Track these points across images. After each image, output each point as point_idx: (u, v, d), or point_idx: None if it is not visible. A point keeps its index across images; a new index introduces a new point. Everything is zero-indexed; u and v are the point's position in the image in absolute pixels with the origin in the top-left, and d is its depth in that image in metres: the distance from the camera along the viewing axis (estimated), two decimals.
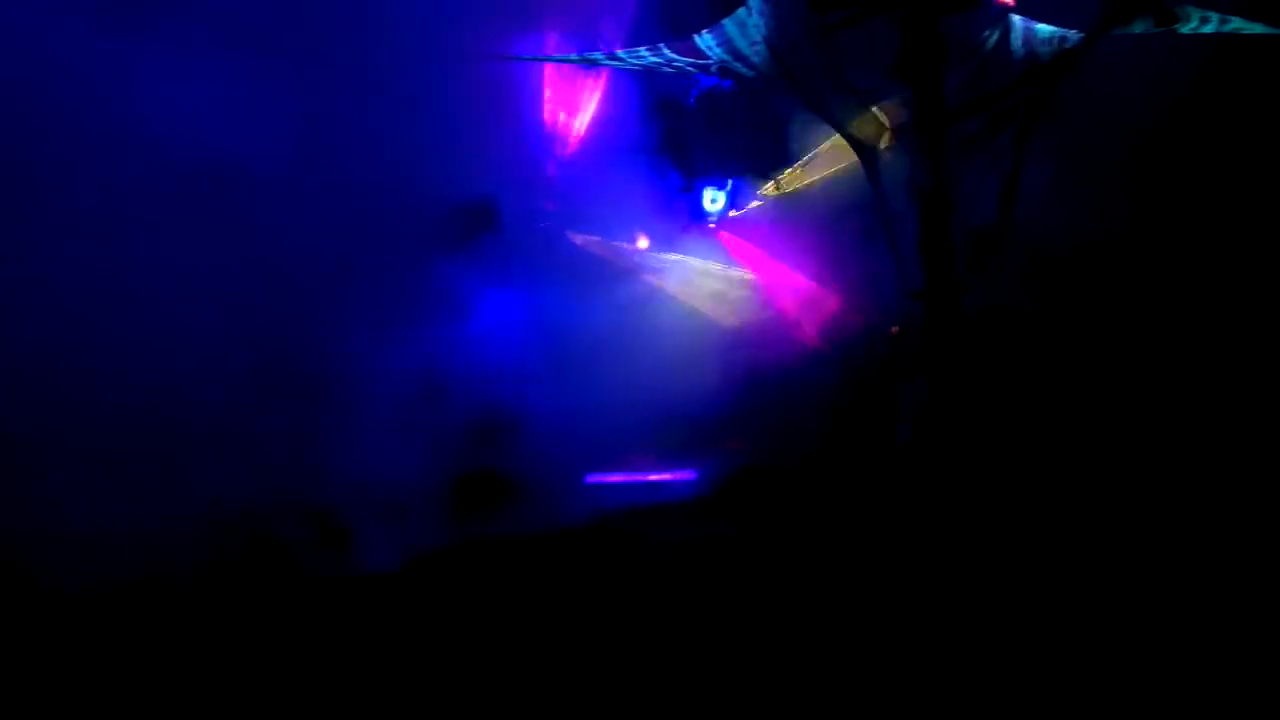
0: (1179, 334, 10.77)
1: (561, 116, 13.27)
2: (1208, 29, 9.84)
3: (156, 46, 9.08)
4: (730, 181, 14.19)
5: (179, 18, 9.28)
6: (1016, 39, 10.54)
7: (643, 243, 13.93)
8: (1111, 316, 11.12)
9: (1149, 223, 10.84)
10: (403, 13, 10.39)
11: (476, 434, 11.64)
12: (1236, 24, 9.85)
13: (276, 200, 9.69)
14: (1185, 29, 9.74)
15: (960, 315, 9.91)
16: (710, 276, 14.04)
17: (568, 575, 9.30)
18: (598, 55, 11.46)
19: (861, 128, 10.51)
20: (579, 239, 13.53)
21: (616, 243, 13.82)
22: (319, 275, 10.05)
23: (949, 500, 9.28)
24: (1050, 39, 10.49)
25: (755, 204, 14.15)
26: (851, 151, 10.89)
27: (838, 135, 11.02)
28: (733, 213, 14.24)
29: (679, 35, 10.54)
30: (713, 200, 14.22)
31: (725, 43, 10.31)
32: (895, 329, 11.55)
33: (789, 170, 13.75)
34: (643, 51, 10.53)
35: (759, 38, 10.16)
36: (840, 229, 12.72)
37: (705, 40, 10.38)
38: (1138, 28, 9.63)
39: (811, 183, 13.52)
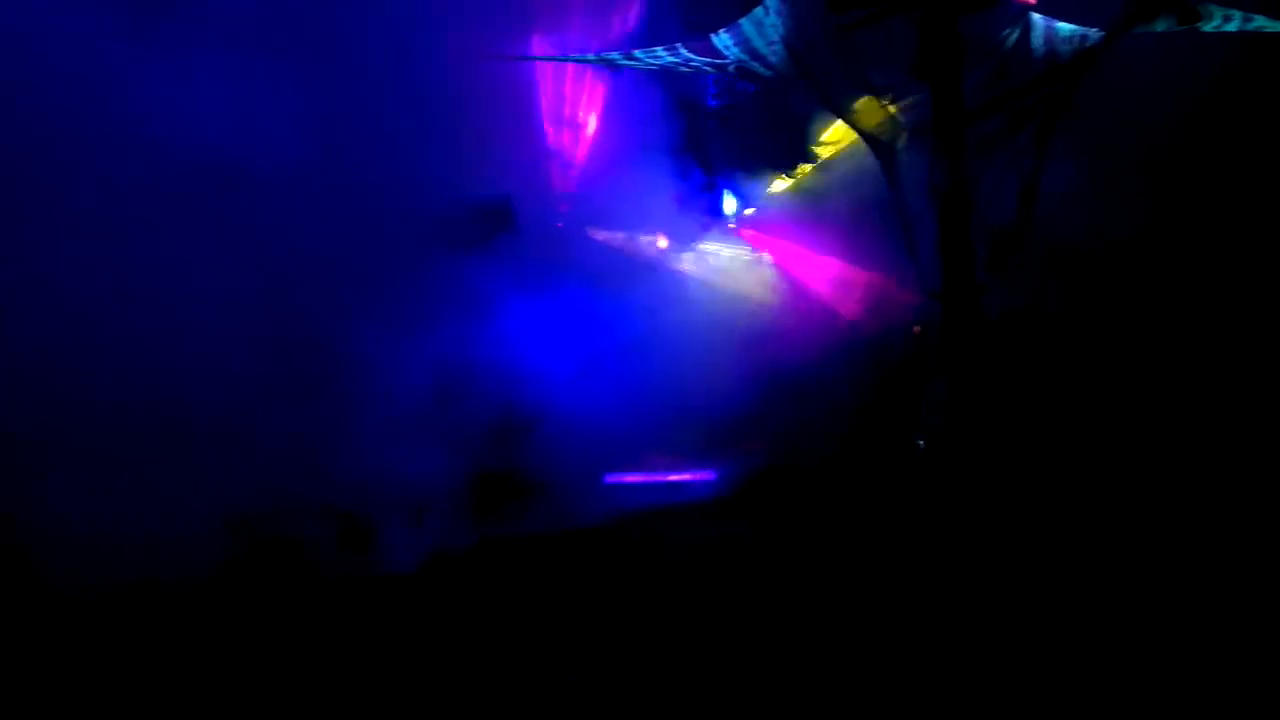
0: (1202, 334, 10.69)
1: (581, 115, 13.30)
2: (1230, 28, 9.72)
3: (173, 46, 9.11)
4: (750, 180, 14.20)
5: (205, 22, 9.36)
6: (1037, 37, 10.45)
7: (663, 242, 13.94)
8: (1134, 316, 11.06)
9: (1171, 222, 10.76)
10: (421, 13, 10.44)
11: (496, 434, 11.66)
12: (1260, 22, 9.73)
13: (301, 202, 9.74)
14: (1207, 27, 9.62)
15: (979, 316, 9.87)
16: (740, 263, 14.04)
17: (586, 575, 9.35)
18: (615, 55, 11.45)
19: (879, 127, 10.48)
20: (600, 235, 13.54)
21: (637, 240, 13.83)
22: (339, 276, 10.10)
23: (969, 502, 9.24)
24: (1071, 37, 10.39)
25: (776, 201, 14.14)
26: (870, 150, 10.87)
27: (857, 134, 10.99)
28: (750, 210, 14.23)
29: (696, 35, 10.54)
30: (734, 199, 14.24)
31: (742, 42, 10.28)
32: (917, 328, 11.51)
33: (809, 167, 13.74)
34: (660, 51, 10.51)
35: (776, 37, 10.12)
36: (862, 226, 12.69)
37: (722, 40, 10.35)
38: (1160, 26, 9.53)
39: (831, 180, 13.50)
